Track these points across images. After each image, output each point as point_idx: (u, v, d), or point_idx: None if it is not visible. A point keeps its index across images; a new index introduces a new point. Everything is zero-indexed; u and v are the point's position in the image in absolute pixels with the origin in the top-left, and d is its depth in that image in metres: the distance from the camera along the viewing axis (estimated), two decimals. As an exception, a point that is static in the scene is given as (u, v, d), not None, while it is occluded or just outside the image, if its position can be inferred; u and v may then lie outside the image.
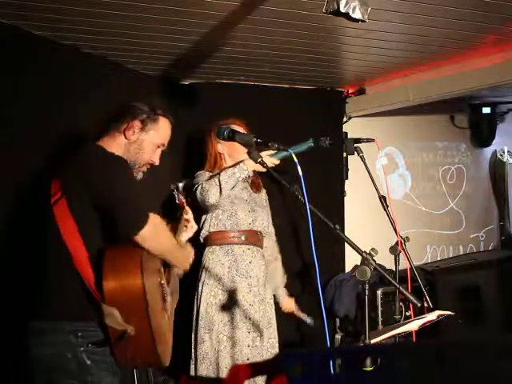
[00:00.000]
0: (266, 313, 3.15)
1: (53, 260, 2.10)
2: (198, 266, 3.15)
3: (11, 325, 2.54)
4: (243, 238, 3.12)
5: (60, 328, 2.02)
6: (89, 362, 2.01)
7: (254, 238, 3.16)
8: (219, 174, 3.01)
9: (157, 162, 2.32)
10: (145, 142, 2.24)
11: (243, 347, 3.00)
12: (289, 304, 3.41)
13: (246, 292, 3.07)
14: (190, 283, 3.02)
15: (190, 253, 2.40)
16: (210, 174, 3.14)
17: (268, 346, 3.13)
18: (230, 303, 3.02)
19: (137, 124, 2.23)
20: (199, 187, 3.04)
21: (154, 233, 2.03)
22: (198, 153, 4.20)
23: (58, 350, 2.02)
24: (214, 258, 3.11)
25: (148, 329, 1.95)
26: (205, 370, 3.03)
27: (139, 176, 2.28)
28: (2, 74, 2.82)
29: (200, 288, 3.10)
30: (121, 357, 2.01)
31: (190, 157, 4.22)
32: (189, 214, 2.55)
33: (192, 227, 2.55)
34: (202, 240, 3.18)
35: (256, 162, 2.25)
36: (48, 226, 2.10)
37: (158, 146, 2.30)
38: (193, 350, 3.11)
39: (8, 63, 2.85)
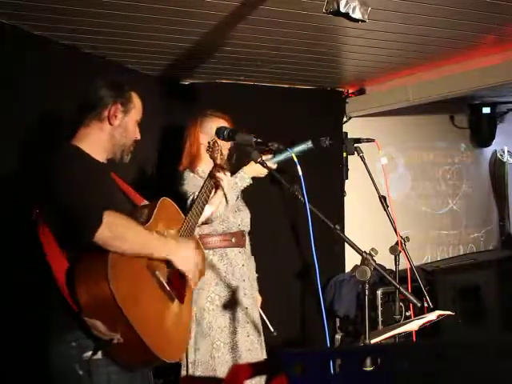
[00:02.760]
0: (257, 314, 3.12)
1: (42, 273, 2.01)
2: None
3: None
4: (233, 240, 3.04)
5: (63, 339, 1.99)
6: (81, 373, 1.96)
7: (240, 239, 3.09)
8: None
9: (139, 137, 2.25)
10: (128, 123, 2.18)
11: (242, 352, 2.96)
12: (259, 300, 3.26)
13: (242, 296, 3.02)
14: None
15: (187, 247, 2.17)
16: (195, 176, 2.99)
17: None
18: (229, 308, 2.96)
19: (118, 108, 2.15)
20: (191, 198, 2.88)
21: (111, 233, 1.90)
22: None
23: (62, 362, 1.99)
24: (208, 263, 3.00)
25: (134, 333, 1.88)
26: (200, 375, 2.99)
27: (128, 159, 2.22)
28: (2, 73, 2.82)
29: (196, 293, 3.03)
30: (120, 361, 1.97)
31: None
32: (224, 177, 2.50)
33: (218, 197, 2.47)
34: None
35: (256, 162, 2.25)
36: (32, 241, 2.01)
37: (138, 122, 2.24)
38: (186, 355, 3.07)
39: (8, 63, 2.85)
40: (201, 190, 2.43)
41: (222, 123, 2.97)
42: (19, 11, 2.76)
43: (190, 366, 3.01)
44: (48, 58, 3.12)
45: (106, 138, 2.14)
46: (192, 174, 3.03)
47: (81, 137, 2.13)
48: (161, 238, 2.11)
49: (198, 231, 3.04)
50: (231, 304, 2.98)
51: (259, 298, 3.26)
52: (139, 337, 1.89)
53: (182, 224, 2.29)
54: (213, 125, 2.86)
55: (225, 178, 2.52)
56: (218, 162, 2.47)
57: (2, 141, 2.82)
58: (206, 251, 3.04)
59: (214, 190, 2.52)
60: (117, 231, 1.92)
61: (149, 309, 2.02)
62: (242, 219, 3.11)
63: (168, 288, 2.11)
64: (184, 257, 2.13)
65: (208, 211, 2.57)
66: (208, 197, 2.45)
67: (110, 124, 2.14)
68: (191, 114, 4.13)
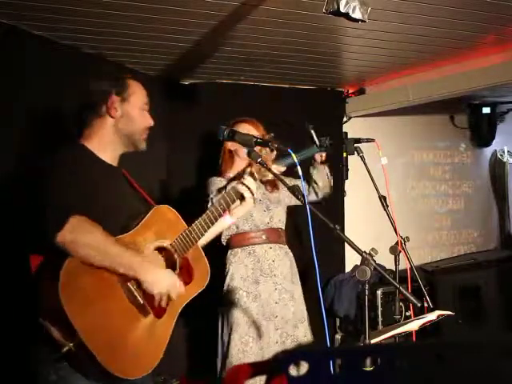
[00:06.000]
0: (297, 309, 3.11)
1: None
2: (223, 270, 3.11)
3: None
4: (264, 237, 3.09)
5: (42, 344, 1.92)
6: (54, 378, 1.91)
7: (274, 236, 3.13)
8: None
9: (152, 123, 2.19)
10: (131, 111, 2.13)
11: (271, 344, 2.98)
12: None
13: (272, 290, 3.04)
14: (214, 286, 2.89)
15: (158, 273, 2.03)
16: (221, 180, 3.04)
17: (304, 342, 3.11)
18: (256, 304, 2.99)
19: (114, 98, 2.09)
20: (210, 202, 2.96)
21: (72, 237, 1.82)
22: (198, 152, 4.21)
23: (40, 367, 1.95)
24: (237, 260, 3.07)
25: (84, 346, 1.78)
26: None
27: (143, 146, 2.17)
28: (2, 73, 2.82)
29: (225, 291, 3.07)
30: (82, 372, 1.89)
31: (190, 156, 4.22)
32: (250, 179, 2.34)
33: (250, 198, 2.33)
34: (224, 243, 3.12)
35: (256, 161, 2.25)
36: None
37: (143, 108, 2.17)
38: (219, 350, 3.10)
39: (8, 63, 2.85)
40: (220, 198, 2.34)
41: (248, 128, 2.98)
42: (19, 11, 2.76)
43: (223, 358, 3.02)
44: (48, 58, 3.12)
45: (110, 132, 2.10)
46: (218, 178, 3.06)
47: (87, 136, 2.11)
48: (132, 256, 1.96)
49: (228, 232, 3.05)
50: (258, 299, 3.00)
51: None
52: (90, 351, 1.79)
53: (181, 233, 2.16)
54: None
55: (253, 185, 2.36)
56: (257, 176, 2.35)
57: (2, 140, 2.82)
58: (236, 249, 3.09)
59: (237, 201, 2.37)
60: (79, 237, 1.83)
61: (108, 321, 1.90)
62: (272, 217, 3.12)
63: (142, 301, 1.98)
64: (152, 281, 1.98)
65: (228, 221, 2.46)
66: (228, 206, 2.32)
67: (112, 117, 2.10)
68: (191, 114, 4.16)
